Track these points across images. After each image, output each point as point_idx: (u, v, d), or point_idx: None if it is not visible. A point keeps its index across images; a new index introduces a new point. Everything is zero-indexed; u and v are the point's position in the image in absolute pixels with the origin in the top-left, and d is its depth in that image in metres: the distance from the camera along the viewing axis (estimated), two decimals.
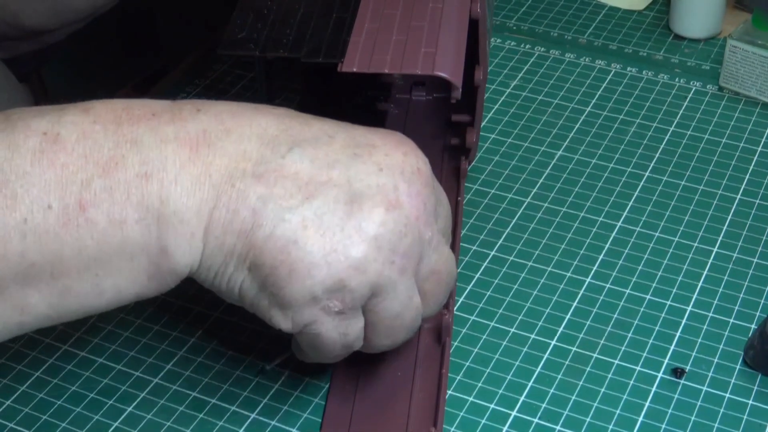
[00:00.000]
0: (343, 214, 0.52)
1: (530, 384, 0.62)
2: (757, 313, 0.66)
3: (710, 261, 0.70)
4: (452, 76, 0.60)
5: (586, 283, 0.68)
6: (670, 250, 0.70)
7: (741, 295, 0.67)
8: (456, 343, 0.64)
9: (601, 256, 0.70)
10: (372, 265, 0.52)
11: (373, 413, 0.60)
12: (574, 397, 0.61)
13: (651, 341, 0.64)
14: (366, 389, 0.61)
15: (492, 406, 0.61)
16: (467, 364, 0.63)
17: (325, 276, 0.52)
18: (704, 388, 0.62)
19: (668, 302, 0.67)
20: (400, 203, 0.53)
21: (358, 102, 0.81)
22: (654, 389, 0.62)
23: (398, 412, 0.59)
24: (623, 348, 0.64)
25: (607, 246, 0.71)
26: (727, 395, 0.61)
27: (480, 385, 0.62)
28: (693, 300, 0.67)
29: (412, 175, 0.54)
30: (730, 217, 0.73)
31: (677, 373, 0.62)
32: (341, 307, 0.53)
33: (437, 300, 0.57)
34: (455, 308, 0.66)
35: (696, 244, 0.71)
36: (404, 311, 0.55)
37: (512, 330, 0.65)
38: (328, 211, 0.52)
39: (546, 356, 0.63)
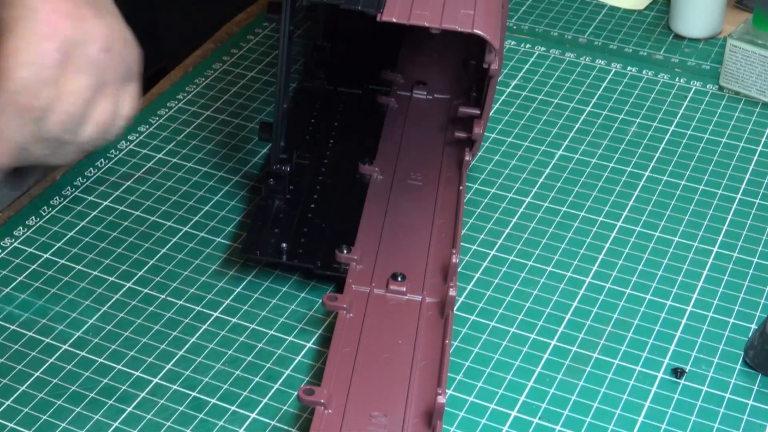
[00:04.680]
0: None
1: (530, 384, 0.62)
2: (757, 313, 0.66)
3: (710, 261, 0.70)
4: (490, 36, 0.61)
5: (586, 283, 0.68)
6: (670, 250, 0.70)
7: (741, 295, 0.67)
8: (456, 343, 0.64)
9: (601, 256, 0.70)
10: None
11: (373, 377, 0.59)
12: (574, 397, 0.61)
13: (651, 341, 0.64)
14: (365, 354, 0.61)
15: (492, 406, 0.61)
16: (467, 364, 0.63)
17: None
18: (704, 388, 0.62)
19: (668, 302, 0.67)
20: None
21: (359, 95, 0.81)
22: (654, 389, 0.62)
23: (399, 376, 0.59)
24: (623, 348, 0.64)
25: (607, 246, 0.71)
26: (727, 395, 0.61)
27: (480, 385, 0.62)
28: (693, 300, 0.67)
29: None
30: (730, 217, 0.73)
31: (677, 373, 0.62)
32: None
33: None
34: (455, 308, 0.66)
35: (696, 244, 0.71)
36: None
37: (512, 330, 0.65)
38: None
39: (546, 356, 0.63)
